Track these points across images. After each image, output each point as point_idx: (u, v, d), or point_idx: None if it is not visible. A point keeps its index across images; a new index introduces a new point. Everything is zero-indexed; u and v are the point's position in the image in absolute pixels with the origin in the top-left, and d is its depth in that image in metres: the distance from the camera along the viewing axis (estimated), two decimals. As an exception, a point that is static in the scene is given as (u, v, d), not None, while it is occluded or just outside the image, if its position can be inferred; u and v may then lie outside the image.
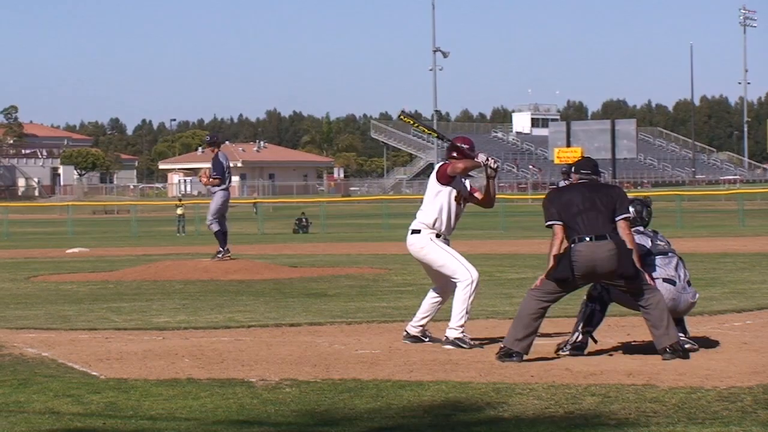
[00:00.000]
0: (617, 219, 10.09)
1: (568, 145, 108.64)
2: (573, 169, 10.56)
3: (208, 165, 22.39)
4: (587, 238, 9.97)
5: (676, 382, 8.79)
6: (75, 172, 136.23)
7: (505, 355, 10.07)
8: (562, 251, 10.06)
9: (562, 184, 10.99)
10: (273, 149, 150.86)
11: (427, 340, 11.31)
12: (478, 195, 11.35)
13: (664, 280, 10.44)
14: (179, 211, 55.39)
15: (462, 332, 10.97)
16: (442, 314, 11.47)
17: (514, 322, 10.25)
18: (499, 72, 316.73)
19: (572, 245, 10.02)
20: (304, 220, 53.62)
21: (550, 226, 10.21)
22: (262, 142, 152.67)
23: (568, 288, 10.19)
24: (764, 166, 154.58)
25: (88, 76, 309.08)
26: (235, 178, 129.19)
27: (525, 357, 10.04)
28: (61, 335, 12.42)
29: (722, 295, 16.33)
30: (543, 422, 7.45)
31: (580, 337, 10.50)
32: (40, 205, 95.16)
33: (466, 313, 10.99)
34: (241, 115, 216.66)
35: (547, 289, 10.16)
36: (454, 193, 11.15)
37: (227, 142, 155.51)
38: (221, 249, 21.92)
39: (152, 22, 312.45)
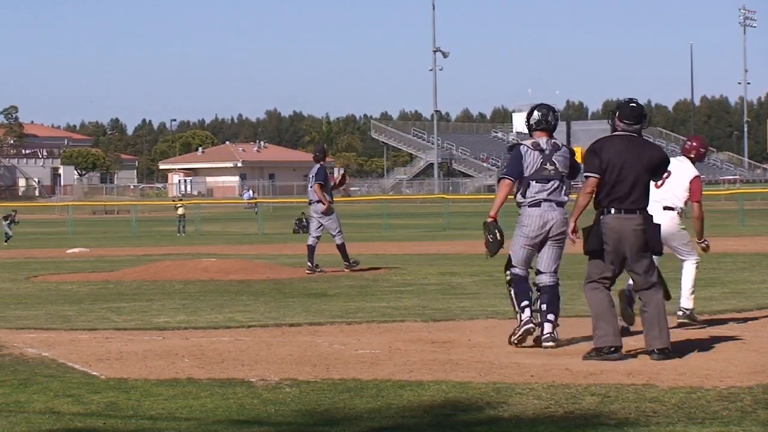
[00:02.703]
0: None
1: (568, 145, 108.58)
2: (617, 115, 10.23)
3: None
4: (614, 210, 9.93)
5: (676, 381, 8.79)
6: (75, 172, 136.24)
7: (609, 352, 9.87)
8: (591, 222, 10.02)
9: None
10: (273, 149, 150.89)
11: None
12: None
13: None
14: (180, 211, 55.39)
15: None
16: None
17: (594, 322, 10.02)
18: (499, 72, 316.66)
19: (601, 217, 9.99)
20: (304, 220, 53.63)
21: (587, 177, 10.08)
22: (262, 142, 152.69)
23: (608, 259, 10.02)
24: (764, 166, 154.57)
25: (88, 76, 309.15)
26: (235, 178, 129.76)
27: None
28: (61, 335, 12.42)
29: (722, 295, 16.33)
30: (543, 422, 7.45)
31: (527, 312, 10.69)
32: (40, 205, 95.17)
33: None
34: (241, 115, 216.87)
35: (596, 271, 10.07)
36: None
37: (227, 143, 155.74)
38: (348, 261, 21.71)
39: (152, 23, 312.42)
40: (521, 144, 11.04)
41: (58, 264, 27.37)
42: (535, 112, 11.03)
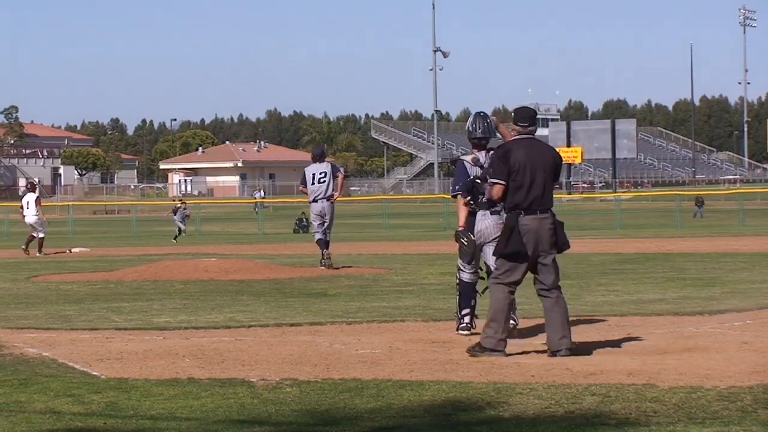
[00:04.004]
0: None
1: (569, 145, 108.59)
2: (513, 119, 10.61)
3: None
4: (528, 212, 10.21)
5: (676, 381, 8.79)
6: (76, 172, 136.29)
7: (492, 353, 10.21)
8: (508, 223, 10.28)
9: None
10: (273, 149, 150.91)
11: None
12: None
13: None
14: (179, 211, 55.36)
15: None
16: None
17: (489, 320, 10.36)
18: (499, 72, 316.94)
19: (518, 218, 10.22)
20: (304, 220, 53.64)
21: (494, 183, 10.40)
22: (262, 142, 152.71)
23: (523, 262, 10.29)
24: (764, 166, 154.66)
25: (88, 76, 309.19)
26: (235, 178, 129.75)
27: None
28: (61, 335, 12.42)
29: (722, 294, 16.32)
30: (543, 422, 7.45)
31: (467, 319, 11.80)
32: (40, 205, 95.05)
33: None
34: (241, 115, 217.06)
35: (506, 275, 10.35)
36: None
37: (227, 143, 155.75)
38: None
39: (152, 22, 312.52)
40: (463, 160, 11.91)
41: (58, 264, 27.37)
42: (471, 132, 11.90)
